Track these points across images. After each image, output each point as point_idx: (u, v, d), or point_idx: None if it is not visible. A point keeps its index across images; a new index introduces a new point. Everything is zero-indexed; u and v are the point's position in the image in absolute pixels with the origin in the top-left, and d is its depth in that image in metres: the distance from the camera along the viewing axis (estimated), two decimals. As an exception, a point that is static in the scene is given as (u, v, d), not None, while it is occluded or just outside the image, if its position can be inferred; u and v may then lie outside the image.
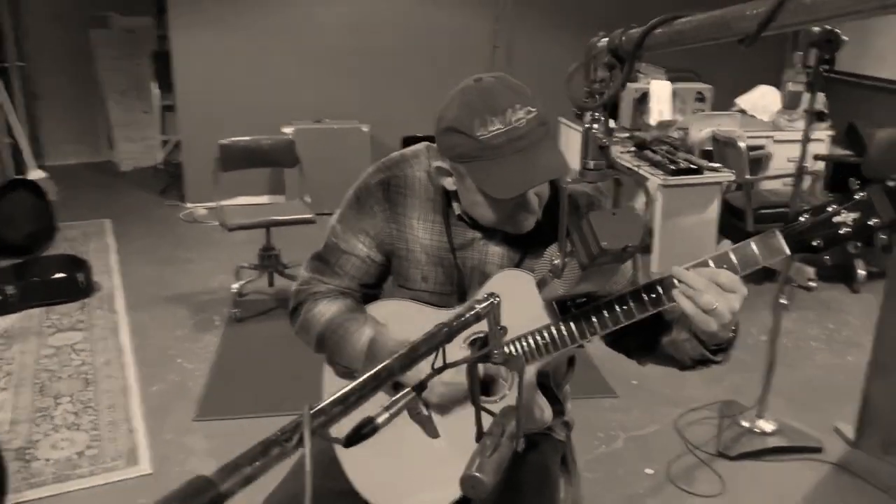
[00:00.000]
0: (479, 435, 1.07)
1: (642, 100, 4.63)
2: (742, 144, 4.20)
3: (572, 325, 1.30)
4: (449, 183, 1.36)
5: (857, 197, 1.15)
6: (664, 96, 4.54)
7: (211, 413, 3.06)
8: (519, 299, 1.36)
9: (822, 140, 4.92)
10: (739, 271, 1.19)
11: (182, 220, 5.62)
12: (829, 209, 1.16)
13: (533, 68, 5.71)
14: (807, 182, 4.58)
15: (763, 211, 4.30)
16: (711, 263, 1.20)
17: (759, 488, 2.64)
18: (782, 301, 2.80)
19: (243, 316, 3.89)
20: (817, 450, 2.82)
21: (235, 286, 3.95)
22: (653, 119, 4.48)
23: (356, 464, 1.46)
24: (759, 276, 4.50)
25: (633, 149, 4.37)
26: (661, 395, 3.18)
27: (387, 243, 1.45)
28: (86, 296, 4.11)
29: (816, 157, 4.84)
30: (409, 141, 5.11)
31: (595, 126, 1.09)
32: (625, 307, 1.25)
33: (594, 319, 1.28)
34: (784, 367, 3.35)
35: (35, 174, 5.05)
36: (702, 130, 4.59)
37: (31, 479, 2.61)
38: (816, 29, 2.49)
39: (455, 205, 1.42)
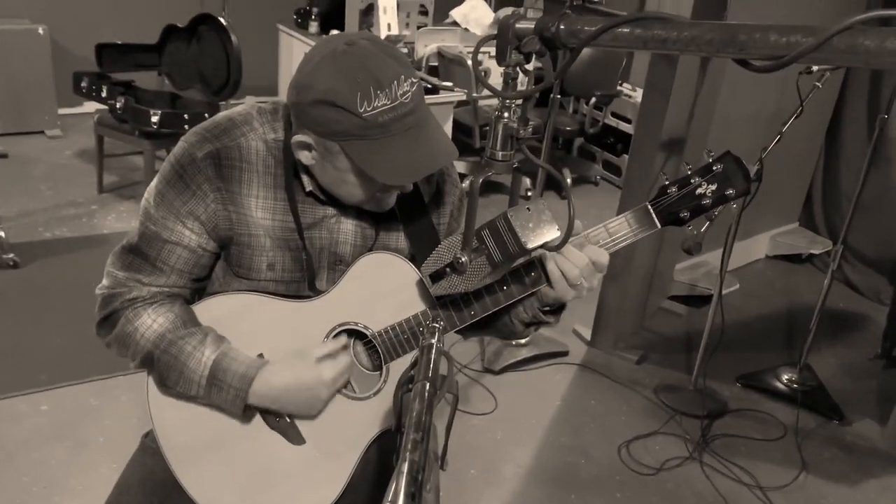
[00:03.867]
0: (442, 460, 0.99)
1: (368, 11, 4.49)
2: (469, 62, 4.31)
3: (451, 310, 1.23)
4: (307, 158, 1.17)
5: (714, 169, 1.22)
6: (390, 8, 4.44)
7: None
8: (389, 285, 1.25)
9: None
10: (612, 246, 1.22)
11: None
12: (692, 182, 1.22)
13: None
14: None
15: (488, 127, 4.52)
16: (587, 239, 1.21)
17: (524, 397, 2.88)
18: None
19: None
20: (564, 353, 3.15)
21: None
22: (381, 33, 4.37)
23: (205, 483, 1.27)
24: (489, 189, 4.79)
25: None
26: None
27: (223, 229, 1.22)
28: None
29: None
30: (104, 48, 4.39)
31: (507, 115, 1.00)
32: (505, 288, 1.21)
33: (474, 303, 1.22)
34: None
35: None
36: (427, 46, 4.61)
37: None
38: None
39: (306, 180, 1.23)
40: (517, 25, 0.94)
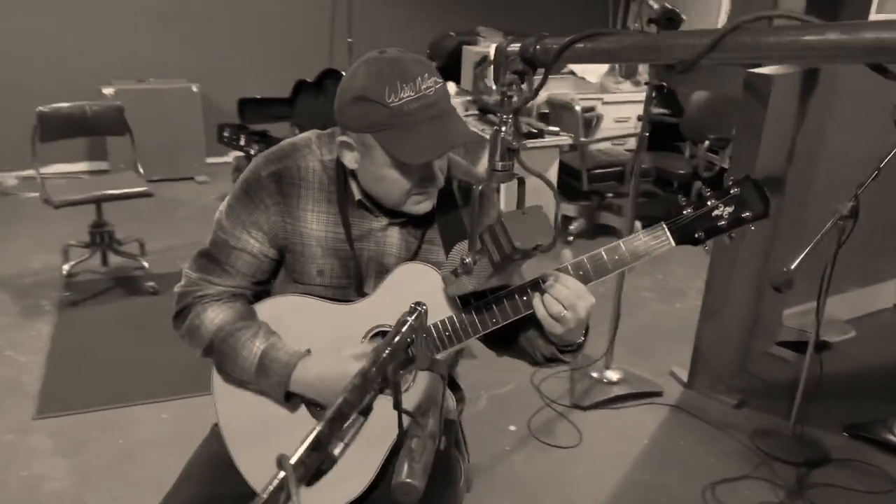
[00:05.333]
0: (401, 438, 1.09)
1: (481, 63, 4.71)
2: (577, 108, 4.42)
3: (475, 316, 1.33)
4: (350, 160, 1.33)
5: (732, 192, 1.26)
6: (503, 60, 4.64)
7: (52, 409, 2.83)
8: (421, 292, 1.37)
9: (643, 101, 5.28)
10: (628, 262, 1.28)
11: (-12, 193, 5.05)
12: (709, 203, 1.27)
13: (380, 33, 5.65)
14: (632, 142, 4.92)
15: (596, 171, 4.57)
16: (604, 254, 1.28)
17: (610, 434, 2.87)
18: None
19: (77, 299, 3.59)
20: (658, 394, 3.10)
21: (66, 267, 3.63)
22: (493, 82, 4.58)
23: (255, 466, 1.42)
24: (599, 232, 4.82)
25: (476, 112, 4.46)
26: (516, 353, 3.33)
27: (281, 238, 1.40)
28: None
29: (640, 118, 5.19)
30: (245, 102, 4.88)
31: (504, 129, 1.11)
32: (524, 298, 1.30)
33: (496, 310, 1.31)
34: (623, 318, 3.63)
35: None
36: (540, 94, 4.76)
37: None
38: (655, 5, 2.65)
39: (354, 189, 1.39)
40: (508, 48, 1.06)
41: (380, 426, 1.40)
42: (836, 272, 2.56)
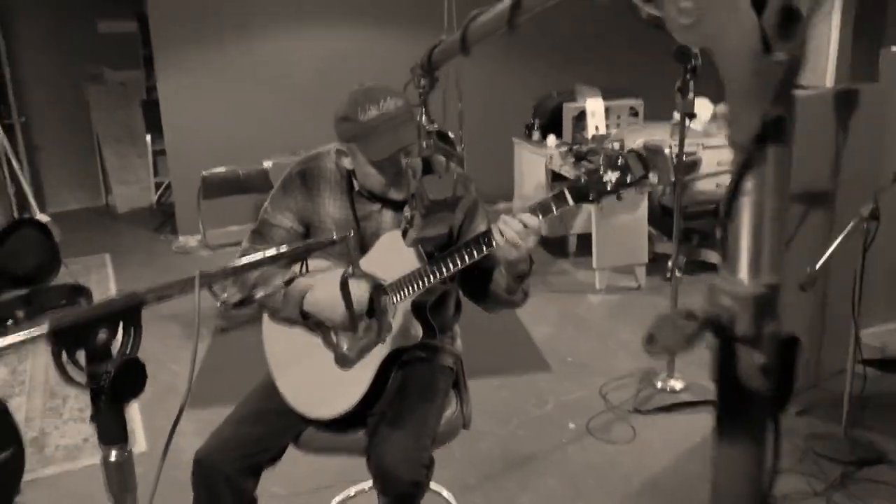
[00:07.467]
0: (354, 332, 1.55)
1: (580, 117, 5.15)
2: (667, 151, 4.70)
3: (433, 267, 1.77)
4: (347, 162, 1.85)
5: (619, 163, 1.63)
6: (598, 113, 5.05)
7: (197, 404, 3.52)
8: (398, 252, 1.84)
9: (749, 144, 5.43)
10: (539, 217, 1.67)
11: (175, 252, 6.12)
12: (600, 172, 1.64)
13: (488, 99, 6.27)
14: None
15: (692, 209, 4.79)
16: (521, 214, 1.68)
17: (665, 435, 3.07)
18: (677, 274, 3.26)
19: (228, 326, 4.36)
20: (719, 402, 3.26)
21: (218, 302, 4.42)
22: (589, 133, 4.99)
23: (290, 387, 1.93)
24: (700, 269, 4.97)
25: (573, 160, 4.87)
26: (591, 368, 3.63)
27: (305, 217, 1.94)
28: (87, 318, 4.58)
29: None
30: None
31: (422, 118, 1.58)
32: (468, 250, 1.72)
33: (448, 261, 1.75)
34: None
35: (41, 217, 5.52)
36: (636, 141, 5.10)
37: (43, 460, 3.06)
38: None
39: (355, 182, 1.90)
40: (420, 60, 1.54)
41: (371, 353, 1.85)
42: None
